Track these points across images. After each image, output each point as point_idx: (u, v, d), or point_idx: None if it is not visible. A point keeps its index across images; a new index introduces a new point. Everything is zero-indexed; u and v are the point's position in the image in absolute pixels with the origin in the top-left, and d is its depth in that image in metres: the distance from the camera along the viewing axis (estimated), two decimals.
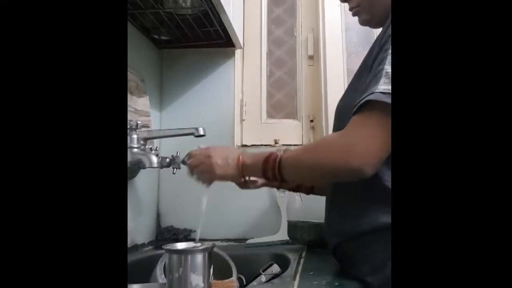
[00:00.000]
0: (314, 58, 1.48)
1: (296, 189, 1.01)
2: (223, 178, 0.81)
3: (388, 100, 0.58)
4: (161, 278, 0.87)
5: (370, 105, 0.61)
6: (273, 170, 0.72)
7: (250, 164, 0.77)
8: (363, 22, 0.81)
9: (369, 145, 0.62)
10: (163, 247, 0.63)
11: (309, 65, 1.49)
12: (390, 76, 0.60)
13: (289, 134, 1.45)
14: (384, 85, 0.60)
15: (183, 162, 0.97)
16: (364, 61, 0.76)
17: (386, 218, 0.64)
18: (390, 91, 0.58)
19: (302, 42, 1.51)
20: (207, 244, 0.64)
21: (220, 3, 1.05)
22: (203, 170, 0.81)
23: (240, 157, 0.78)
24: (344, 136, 0.65)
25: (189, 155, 0.86)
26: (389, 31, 0.64)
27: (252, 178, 0.86)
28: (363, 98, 0.62)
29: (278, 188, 1.06)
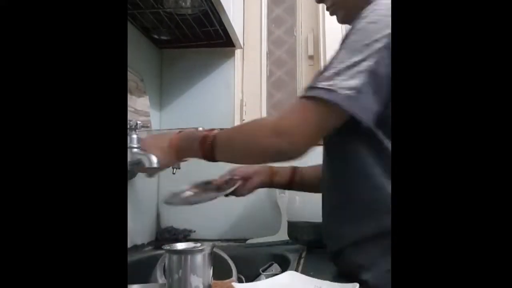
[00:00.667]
0: (314, 58, 1.48)
1: (288, 185, 1.00)
2: (165, 166, 0.79)
3: (328, 94, 0.60)
4: (161, 278, 0.87)
5: (313, 94, 0.62)
6: (208, 151, 0.71)
7: (185, 147, 0.76)
8: (341, 20, 0.80)
9: (301, 129, 0.63)
10: (163, 247, 0.63)
11: (309, 65, 1.49)
12: (337, 69, 0.61)
13: None
14: (326, 81, 0.61)
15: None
16: None
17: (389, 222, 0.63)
18: (332, 86, 0.60)
19: (302, 42, 1.51)
20: (207, 244, 0.64)
21: (220, 3, 1.05)
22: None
23: (173, 141, 0.77)
24: (278, 118, 0.67)
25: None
26: (355, 24, 0.65)
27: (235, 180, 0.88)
28: (309, 86, 0.64)
29: (270, 187, 1.03)
